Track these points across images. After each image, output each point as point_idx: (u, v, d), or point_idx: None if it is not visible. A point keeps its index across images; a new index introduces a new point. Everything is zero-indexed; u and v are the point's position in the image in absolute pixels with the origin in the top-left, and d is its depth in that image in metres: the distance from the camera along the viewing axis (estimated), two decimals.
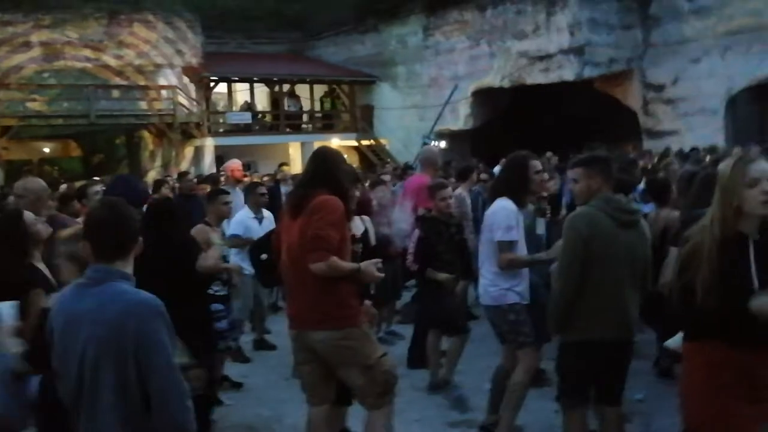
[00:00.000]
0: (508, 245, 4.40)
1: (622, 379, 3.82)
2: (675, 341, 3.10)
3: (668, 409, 4.66)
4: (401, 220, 6.30)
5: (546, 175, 7.17)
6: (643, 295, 3.80)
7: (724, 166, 2.75)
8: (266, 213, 7.16)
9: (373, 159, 23.18)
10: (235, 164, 8.32)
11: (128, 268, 2.43)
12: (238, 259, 6.34)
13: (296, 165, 22.18)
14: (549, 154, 11.11)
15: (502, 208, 4.44)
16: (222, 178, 10.27)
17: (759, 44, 16.48)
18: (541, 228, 4.95)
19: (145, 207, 5.23)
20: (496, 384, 4.82)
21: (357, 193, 5.07)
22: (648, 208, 6.28)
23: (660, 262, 5.23)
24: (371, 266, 3.68)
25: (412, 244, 5.53)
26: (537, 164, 4.64)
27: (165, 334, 2.31)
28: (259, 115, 24.51)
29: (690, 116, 18.03)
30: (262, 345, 7.39)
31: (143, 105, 21.26)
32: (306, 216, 3.56)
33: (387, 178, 8.37)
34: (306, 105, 24.98)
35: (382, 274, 3.80)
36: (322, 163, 3.76)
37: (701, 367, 2.73)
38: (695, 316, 2.70)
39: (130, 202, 4.77)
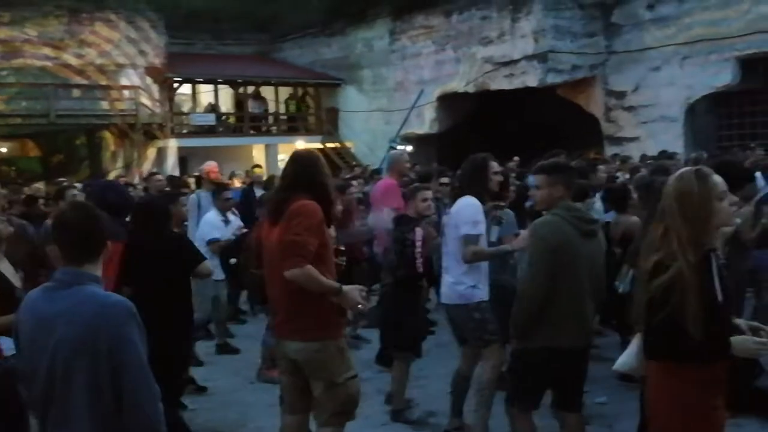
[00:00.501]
0: (475, 238, 4.48)
1: (581, 385, 3.86)
2: (625, 365, 3.09)
3: (629, 411, 4.75)
4: (380, 223, 6.22)
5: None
6: (599, 302, 3.85)
7: (687, 183, 2.62)
8: (231, 216, 7.18)
9: (339, 162, 23.15)
10: (211, 166, 8.25)
11: (98, 270, 2.42)
12: (213, 263, 6.35)
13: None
14: (516, 158, 11.16)
15: (468, 204, 4.54)
16: (193, 180, 10.19)
17: (716, 54, 16.87)
18: (494, 236, 5.00)
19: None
20: (456, 388, 4.86)
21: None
22: (609, 216, 6.39)
23: (618, 267, 5.34)
24: (355, 291, 3.52)
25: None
26: (495, 165, 4.81)
27: (137, 335, 2.32)
28: (223, 117, 24.31)
29: (650, 123, 18.37)
30: (225, 349, 7.34)
31: (105, 105, 20.90)
32: (285, 222, 3.46)
33: (355, 182, 8.32)
34: (271, 107, 24.89)
35: (366, 302, 3.67)
36: (303, 167, 3.64)
37: (675, 387, 2.70)
38: (679, 342, 2.60)
39: (121, 209, 4.83)
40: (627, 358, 3.09)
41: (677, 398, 2.70)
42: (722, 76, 16.96)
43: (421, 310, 5.64)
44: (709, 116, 18.62)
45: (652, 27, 18.02)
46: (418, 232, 5.15)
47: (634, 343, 3.05)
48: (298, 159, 3.73)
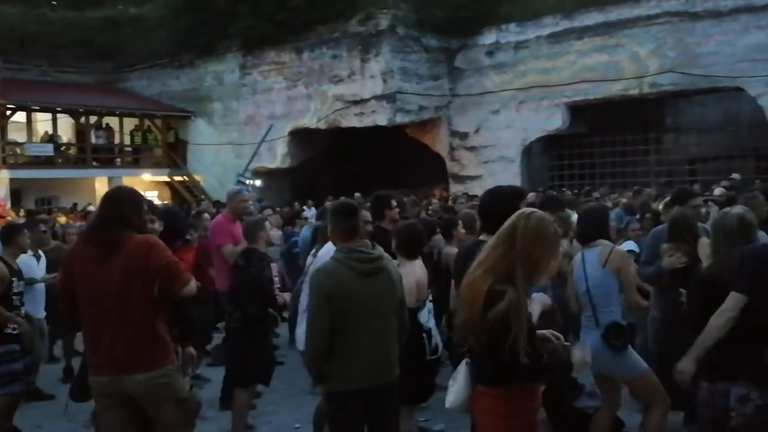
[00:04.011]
0: None
1: (394, 423, 3.74)
2: (458, 401, 3.03)
3: None
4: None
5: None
6: (402, 335, 3.73)
7: (547, 226, 2.79)
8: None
9: (186, 195, 22.60)
10: None
11: None
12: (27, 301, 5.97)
13: None
14: (357, 195, 11.41)
15: (330, 251, 4.45)
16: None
17: (548, 100, 18.28)
18: None
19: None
20: (316, 423, 4.80)
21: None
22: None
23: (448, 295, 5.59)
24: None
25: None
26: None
27: None
28: (63, 148, 23.04)
29: (491, 163, 19.48)
30: (36, 395, 6.83)
31: None
32: (132, 257, 3.48)
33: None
34: (116, 138, 23.91)
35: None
36: (116, 205, 3.67)
37: (507, 408, 2.86)
38: (511, 367, 2.74)
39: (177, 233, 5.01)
40: (457, 394, 3.03)
41: (510, 419, 2.87)
42: (553, 121, 18.39)
43: (270, 343, 5.61)
44: (543, 157, 20.04)
45: (492, 72, 19.22)
46: (274, 267, 5.29)
47: (461, 376, 3.02)
48: (110, 198, 3.76)
